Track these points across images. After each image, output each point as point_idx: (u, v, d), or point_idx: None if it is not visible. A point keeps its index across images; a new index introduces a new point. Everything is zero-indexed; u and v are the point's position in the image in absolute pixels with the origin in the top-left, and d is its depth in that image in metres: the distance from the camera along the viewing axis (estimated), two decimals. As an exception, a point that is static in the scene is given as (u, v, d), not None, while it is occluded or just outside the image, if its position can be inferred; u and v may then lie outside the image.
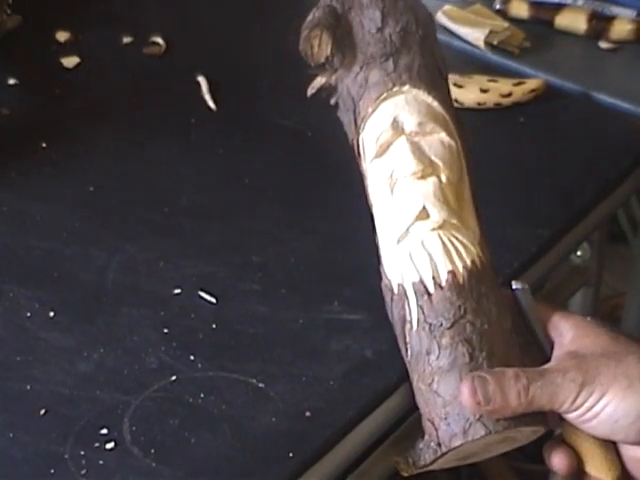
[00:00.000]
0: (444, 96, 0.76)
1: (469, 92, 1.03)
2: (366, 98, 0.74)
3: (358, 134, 0.75)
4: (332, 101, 0.77)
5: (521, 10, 1.21)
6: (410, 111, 0.73)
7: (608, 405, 0.67)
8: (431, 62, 0.76)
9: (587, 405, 0.67)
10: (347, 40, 0.75)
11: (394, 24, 0.75)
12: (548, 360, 0.70)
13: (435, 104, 0.74)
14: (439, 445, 0.68)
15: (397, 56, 0.74)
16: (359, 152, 0.75)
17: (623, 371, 0.67)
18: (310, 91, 0.77)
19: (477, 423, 0.67)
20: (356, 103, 0.75)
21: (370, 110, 0.74)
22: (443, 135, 0.74)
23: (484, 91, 1.03)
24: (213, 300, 0.79)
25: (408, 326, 0.70)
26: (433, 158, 0.73)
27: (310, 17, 0.75)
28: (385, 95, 0.74)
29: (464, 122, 0.76)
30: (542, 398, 0.67)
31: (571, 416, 0.68)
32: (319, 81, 0.76)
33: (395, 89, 0.74)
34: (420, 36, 0.75)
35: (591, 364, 0.68)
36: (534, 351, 0.71)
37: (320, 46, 0.74)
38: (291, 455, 0.68)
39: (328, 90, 0.77)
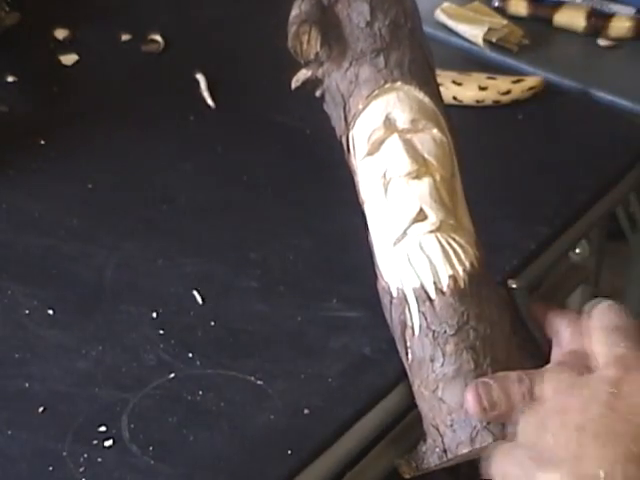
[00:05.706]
0: (434, 91, 0.75)
1: (468, 89, 1.03)
2: (357, 95, 0.73)
3: (348, 131, 0.74)
4: (318, 93, 0.76)
5: (520, 7, 1.21)
6: (402, 108, 0.72)
7: None
8: (420, 55, 0.75)
9: None
10: (334, 33, 0.73)
11: (383, 17, 0.74)
12: (547, 359, 0.70)
13: (426, 100, 0.73)
14: (445, 452, 0.68)
15: (388, 51, 0.73)
16: (349, 149, 0.74)
17: None
18: (294, 84, 0.75)
19: (484, 430, 0.66)
20: (346, 100, 0.73)
21: (361, 107, 0.73)
22: (435, 131, 0.73)
23: (483, 89, 1.03)
24: (211, 298, 0.79)
25: (409, 331, 0.69)
26: (426, 156, 0.72)
27: (296, 11, 0.74)
28: (376, 92, 0.73)
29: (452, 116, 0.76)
30: None
31: None
32: (304, 74, 0.75)
33: (387, 86, 0.73)
34: (409, 29, 0.75)
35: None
36: (533, 351, 0.71)
37: (309, 42, 0.73)
38: (289, 453, 0.67)
39: (313, 83, 0.75)
